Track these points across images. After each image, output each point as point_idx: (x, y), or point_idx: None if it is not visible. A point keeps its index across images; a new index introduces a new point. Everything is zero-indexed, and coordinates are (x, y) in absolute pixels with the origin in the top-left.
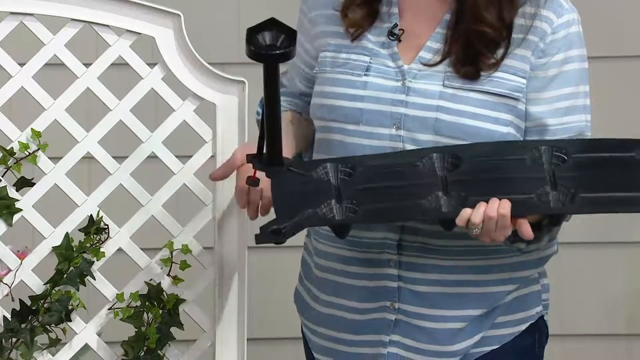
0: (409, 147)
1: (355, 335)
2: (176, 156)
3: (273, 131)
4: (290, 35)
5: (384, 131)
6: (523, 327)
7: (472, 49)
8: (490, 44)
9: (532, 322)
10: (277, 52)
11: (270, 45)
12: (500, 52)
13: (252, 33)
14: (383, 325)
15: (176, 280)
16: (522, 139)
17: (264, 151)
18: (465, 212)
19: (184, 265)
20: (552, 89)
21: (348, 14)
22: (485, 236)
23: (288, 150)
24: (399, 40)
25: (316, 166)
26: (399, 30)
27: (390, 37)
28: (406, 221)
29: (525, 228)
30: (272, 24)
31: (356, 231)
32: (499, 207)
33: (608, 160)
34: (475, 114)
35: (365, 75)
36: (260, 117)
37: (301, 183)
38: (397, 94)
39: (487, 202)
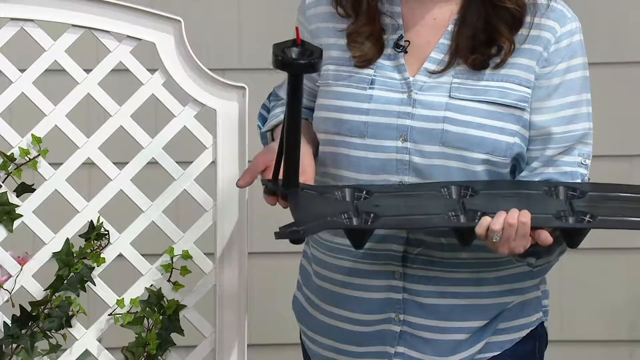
0: (416, 159)
1: (360, 347)
2: (177, 162)
3: (292, 150)
4: (316, 50)
5: (390, 143)
6: (524, 333)
7: (488, 30)
8: (510, 21)
9: (533, 328)
10: (303, 61)
11: (296, 56)
12: (497, 59)
13: (279, 46)
14: (388, 337)
15: (177, 286)
16: (525, 147)
17: (280, 175)
18: (485, 219)
19: (185, 271)
20: (556, 97)
21: (356, 42)
22: (504, 245)
23: (307, 152)
24: (405, 52)
25: (332, 190)
26: (405, 41)
27: (396, 48)
28: (426, 228)
29: (545, 235)
30: (296, 41)
31: None
32: (519, 215)
33: (624, 197)
34: (482, 124)
35: (370, 88)
36: (262, 131)
37: (318, 199)
38: (403, 106)
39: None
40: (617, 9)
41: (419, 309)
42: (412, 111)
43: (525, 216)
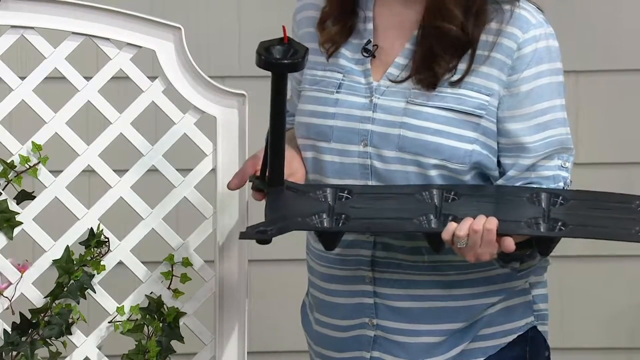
0: (377, 163)
1: (340, 352)
2: (177, 169)
3: (277, 149)
4: (301, 50)
5: (353, 148)
6: (509, 338)
7: (431, 51)
8: (449, 45)
9: (520, 333)
10: (286, 61)
11: (280, 56)
12: (462, 66)
13: (263, 44)
14: (364, 342)
15: (177, 293)
16: (491, 156)
17: (267, 172)
18: (451, 225)
19: (185, 279)
20: (526, 105)
21: (324, 28)
22: (470, 252)
23: (296, 155)
24: (374, 57)
25: (315, 190)
26: (374, 46)
27: (364, 53)
28: (393, 233)
29: (508, 242)
30: (282, 40)
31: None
32: (485, 222)
33: (608, 206)
34: (438, 130)
35: (337, 92)
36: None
37: (297, 199)
38: (364, 111)
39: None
40: (614, 16)
41: (391, 313)
42: (373, 116)
43: (491, 223)
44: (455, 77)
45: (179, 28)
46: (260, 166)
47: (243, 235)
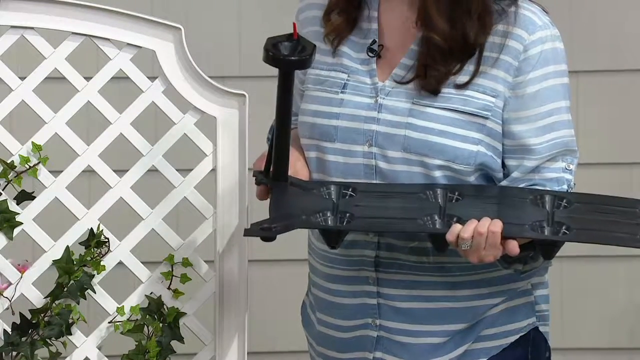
0: (381, 164)
1: (342, 353)
2: (177, 169)
3: (282, 146)
4: (309, 47)
5: (358, 148)
6: (512, 339)
7: (425, 59)
8: (437, 54)
9: (523, 334)
10: (294, 58)
11: (288, 53)
12: (470, 68)
13: (271, 40)
14: (366, 342)
15: (177, 293)
16: (496, 158)
17: (271, 169)
18: (456, 226)
19: (185, 279)
20: (532, 107)
21: (329, 19)
22: (474, 254)
23: (299, 157)
24: (379, 57)
25: (320, 186)
26: (379, 46)
27: (369, 53)
28: (398, 232)
29: (512, 245)
30: (292, 36)
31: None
32: (490, 225)
33: (612, 210)
34: (443, 131)
35: (342, 92)
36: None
37: (301, 196)
38: (369, 111)
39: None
40: (617, 17)
41: (394, 313)
42: (378, 116)
43: (496, 226)
44: (463, 79)
45: (179, 28)
46: (265, 162)
47: (247, 232)
